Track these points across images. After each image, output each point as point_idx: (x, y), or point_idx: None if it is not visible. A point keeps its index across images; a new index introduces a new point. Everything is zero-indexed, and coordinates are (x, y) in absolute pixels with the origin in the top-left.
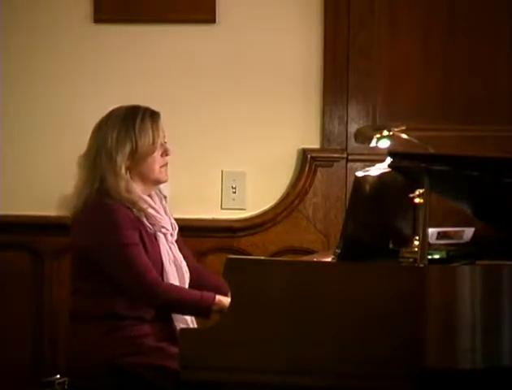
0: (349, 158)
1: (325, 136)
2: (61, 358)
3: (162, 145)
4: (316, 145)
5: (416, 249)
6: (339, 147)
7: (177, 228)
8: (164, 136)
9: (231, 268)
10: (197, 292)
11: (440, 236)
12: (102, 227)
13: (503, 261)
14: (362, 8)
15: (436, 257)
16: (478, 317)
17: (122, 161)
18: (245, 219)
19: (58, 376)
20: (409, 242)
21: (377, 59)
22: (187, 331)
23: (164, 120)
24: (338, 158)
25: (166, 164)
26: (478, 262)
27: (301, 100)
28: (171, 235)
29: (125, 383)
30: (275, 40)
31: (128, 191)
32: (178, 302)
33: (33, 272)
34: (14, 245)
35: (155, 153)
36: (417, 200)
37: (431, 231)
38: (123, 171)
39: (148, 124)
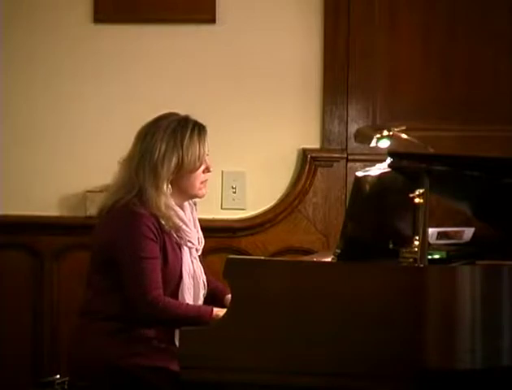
0: (349, 158)
1: (325, 136)
2: (61, 358)
3: (205, 160)
4: (316, 145)
5: (416, 249)
6: (339, 147)
7: (203, 243)
8: (208, 151)
9: (231, 268)
10: (195, 308)
11: (440, 236)
12: (124, 232)
13: (503, 261)
14: (362, 8)
15: (436, 257)
16: (478, 317)
17: (166, 176)
18: (245, 219)
19: (58, 376)
20: (409, 242)
21: (377, 59)
22: (187, 331)
23: None
24: (338, 158)
25: (206, 180)
26: (478, 262)
27: (301, 100)
28: (197, 250)
29: (126, 384)
30: (275, 40)
31: (167, 206)
32: (176, 319)
33: (33, 272)
34: (14, 245)
35: (199, 170)
36: (417, 200)
37: (431, 231)
38: (165, 186)
39: (196, 140)
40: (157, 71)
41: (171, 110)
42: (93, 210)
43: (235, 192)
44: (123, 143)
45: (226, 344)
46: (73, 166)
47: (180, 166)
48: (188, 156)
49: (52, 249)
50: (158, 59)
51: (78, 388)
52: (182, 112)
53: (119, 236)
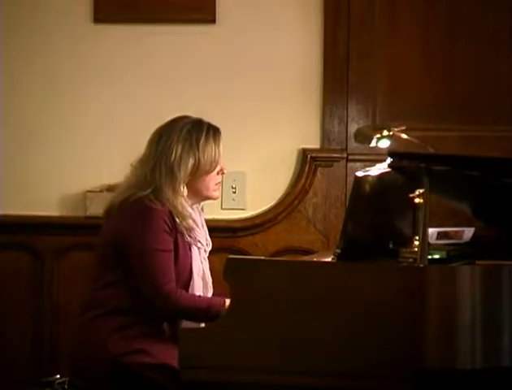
0: (349, 158)
1: (325, 136)
2: (61, 358)
3: (219, 163)
4: (316, 145)
5: (416, 249)
6: (339, 147)
7: (211, 245)
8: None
9: (231, 268)
10: (206, 299)
11: (440, 236)
12: (138, 224)
13: (503, 261)
14: (362, 8)
15: (436, 257)
16: (478, 317)
17: (182, 177)
18: (245, 219)
19: (58, 376)
20: (409, 242)
21: (377, 59)
22: (187, 331)
23: (164, 120)
24: (338, 158)
25: (219, 182)
26: (478, 262)
27: (301, 100)
28: (205, 251)
29: (128, 381)
30: (275, 40)
31: (183, 207)
32: (188, 311)
33: (33, 272)
34: (14, 245)
35: (214, 172)
36: (417, 200)
37: (431, 231)
38: (181, 187)
39: (211, 142)
40: (157, 71)
41: (171, 111)
42: (93, 210)
43: (235, 192)
44: (123, 143)
45: (226, 344)
46: (73, 166)
47: (196, 167)
48: (204, 157)
49: (52, 249)
50: (158, 59)
51: (78, 388)
52: (181, 112)
53: (132, 228)
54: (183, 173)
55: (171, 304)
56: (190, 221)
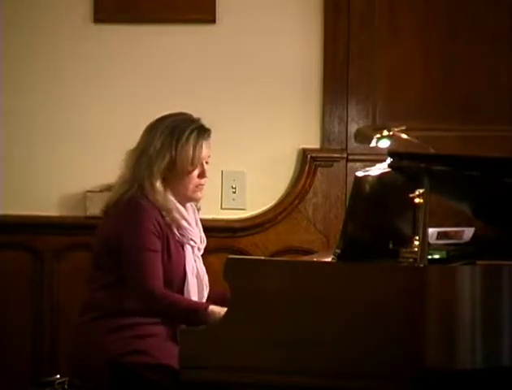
0: (349, 158)
1: (325, 136)
2: (61, 358)
3: (202, 165)
4: (316, 145)
5: (416, 249)
6: (339, 147)
7: (205, 242)
8: (208, 157)
9: (231, 268)
10: (190, 302)
11: (440, 236)
12: (129, 224)
13: (503, 261)
14: (362, 8)
15: (436, 257)
16: (478, 317)
17: (157, 172)
18: (245, 219)
19: (58, 376)
20: (409, 242)
21: (377, 59)
22: (187, 331)
23: None
24: (338, 158)
25: (201, 185)
26: (478, 262)
27: (301, 100)
28: (199, 249)
29: (128, 382)
30: (275, 40)
31: (164, 199)
32: (172, 311)
33: (33, 272)
34: (14, 245)
35: (193, 173)
36: (417, 200)
37: (431, 231)
38: (158, 182)
39: (191, 143)
40: (157, 70)
41: (171, 111)
42: (93, 210)
43: (235, 192)
44: (123, 143)
45: (226, 344)
46: (73, 166)
47: (171, 165)
48: (180, 157)
49: (52, 249)
50: (158, 59)
51: (78, 388)
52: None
53: (124, 228)
54: (157, 169)
55: (155, 302)
56: (176, 214)
